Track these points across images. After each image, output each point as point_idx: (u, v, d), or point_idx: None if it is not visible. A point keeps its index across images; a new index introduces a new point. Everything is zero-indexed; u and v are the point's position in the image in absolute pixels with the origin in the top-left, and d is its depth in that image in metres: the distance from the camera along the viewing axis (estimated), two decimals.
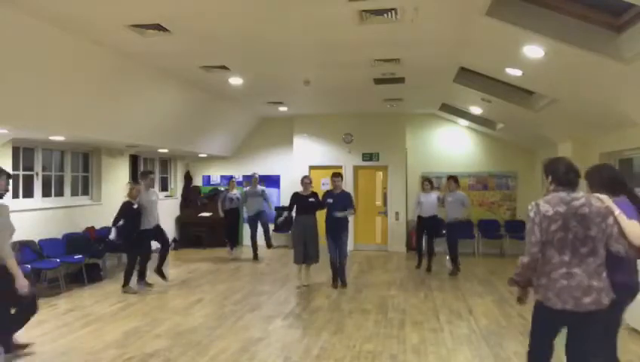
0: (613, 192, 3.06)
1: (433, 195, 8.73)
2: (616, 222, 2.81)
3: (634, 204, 3.04)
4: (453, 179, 8.62)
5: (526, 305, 3.16)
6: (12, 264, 3.92)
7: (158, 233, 7.45)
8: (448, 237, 8.54)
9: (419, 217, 8.84)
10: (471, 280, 7.97)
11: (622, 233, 2.80)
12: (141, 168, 10.75)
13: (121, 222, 7.01)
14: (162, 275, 7.44)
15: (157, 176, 11.38)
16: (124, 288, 6.99)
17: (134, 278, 7.13)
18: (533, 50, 4.87)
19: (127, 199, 7.08)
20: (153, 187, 7.76)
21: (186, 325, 5.49)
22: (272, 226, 10.19)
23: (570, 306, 2.74)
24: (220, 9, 4.65)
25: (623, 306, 3.10)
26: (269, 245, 10.01)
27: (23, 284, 4.04)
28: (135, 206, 7.07)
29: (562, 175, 2.87)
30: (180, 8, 4.61)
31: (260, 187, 10.19)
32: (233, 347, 4.78)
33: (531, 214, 2.85)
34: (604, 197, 2.91)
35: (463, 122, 10.99)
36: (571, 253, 2.76)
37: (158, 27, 5.07)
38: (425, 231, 8.78)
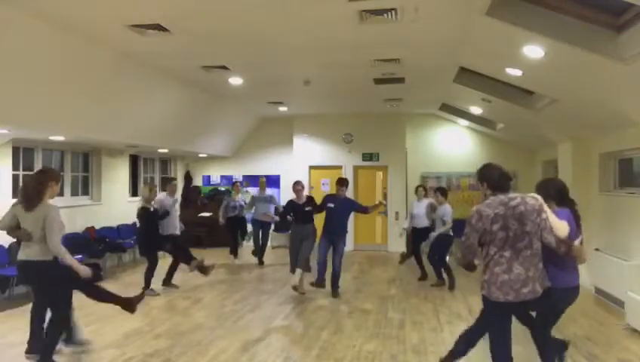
0: (559, 203, 3.50)
1: (424, 204, 7.99)
2: (548, 218, 3.17)
3: (574, 216, 3.46)
4: (440, 191, 7.72)
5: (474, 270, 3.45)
6: (70, 259, 4.11)
7: (177, 240, 7.39)
8: (436, 251, 7.55)
9: (413, 228, 8.14)
10: (471, 280, 7.94)
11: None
12: (141, 168, 10.77)
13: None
14: (202, 269, 7.26)
15: (157, 176, 11.39)
16: (145, 291, 6.78)
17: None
18: (533, 50, 4.87)
19: (141, 205, 6.96)
20: (175, 193, 7.73)
21: (186, 325, 5.49)
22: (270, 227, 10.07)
23: (512, 298, 3.04)
24: (220, 9, 4.65)
25: (560, 296, 3.40)
26: (260, 261, 9.49)
27: (85, 272, 4.23)
28: (152, 209, 6.98)
29: (496, 181, 3.17)
30: (179, 8, 4.61)
31: (268, 192, 9.89)
32: (233, 347, 4.78)
33: (472, 220, 3.13)
34: (537, 195, 3.25)
35: (463, 122, 10.99)
36: (511, 249, 3.05)
37: (158, 27, 5.07)
38: (419, 243, 8.08)
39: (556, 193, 3.57)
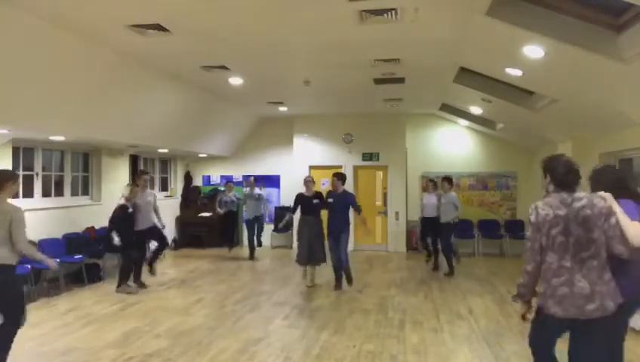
0: (617, 195, 2.85)
1: (434, 196, 8.77)
2: (619, 222, 2.64)
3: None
4: (446, 180, 8.55)
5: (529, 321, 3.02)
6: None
7: (154, 233, 7.43)
8: (441, 238, 8.53)
9: (422, 218, 9.04)
10: (471, 280, 7.97)
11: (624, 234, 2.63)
12: (141, 168, 10.76)
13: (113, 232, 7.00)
14: (151, 270, 7.45)
15: (157, 176, 11.39)
16: (119, 288, 7.00)
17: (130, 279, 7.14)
18: (533, 50, 4.87)
19: (122, 202, 7.07)
20: (147, 188, 7.71)
21: (186, 325, 5.49)
22: (270, 226, 10.27)
23: (573, 314, 2.61)
24: (220, 9, 4.65)
25: (630, 311, 2.98)
26: (258, 243, 10.07)
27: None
28: (130, 209, 7.09)
29: (561, 176, 2.72)
30: (179, 8, 4.61)
31: (257, 191, 10.17)
32: (233, 347, 4.78)
33: (532, 218, 2.73)
34: (607, 195, 2.73)
35: (463, 122, 10.99)
36: (572, 258, 2.63)
37: (158, 27, 5.07)
38: (427, 231, 8.95)
39: (613, 183, 2.97)
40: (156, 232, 7.48)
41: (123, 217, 7.03)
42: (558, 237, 2.63)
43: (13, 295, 3.96)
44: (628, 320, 3.03)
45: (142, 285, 7.26)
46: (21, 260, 4.12)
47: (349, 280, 7.30)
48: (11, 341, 3.93)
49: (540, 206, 2.72)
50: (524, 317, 2.96)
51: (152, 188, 7.83)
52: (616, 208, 2.68)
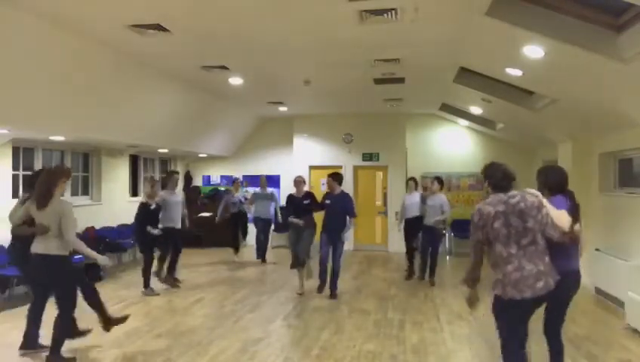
0: (552, 192, 3.55)
1: (416, 195, 8.15)
2: (549, 212, 3.17)
3: (570, 201, 3.48)
4: (437, 180, 7.92)
5: (475, 307, 3.43)
6: (88, 250, 4.38)
7: (174, 235, 7.27)
8: (423, 241, 7.87)
9: (405, 220, 8.27)
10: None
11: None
12: (141, 168, 10.77)
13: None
14: (168, 280, 7.24)
15: (157, 176, 11.38)
16: (146, 290, 6.89)
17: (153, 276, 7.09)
18: (533, 50, 4.87)
19: (144, 200, 6.98)
20: (176, 188, 7.64)
21: (186, 325, 5.49)
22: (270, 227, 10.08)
23: (529, 294, 3.03)
24: (219, 9, 4.65)
25: (569, 289, 3.51)
26: (263, 259, 9.63)
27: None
28: (153, 206, 6.95)
29: (498, 181, 3.22)
30: (179, 8, 4.61)
31: (269, 189, 10.02)
32: (233, 347, 4.78)
33: (475, 218, 3.15)
34: (535, 192, 3.27)
35: (463, 122, 10.99)
36: (516, 245, 3.07)
37: (158, 27, 5.07)
38: (409, 233, 8.22)
39: (554, 185, 3.60)
40: (175, 235, 7.31)
41: (144, 214, 6.91)
42: (502, 230, 3.07)
43: (67, 282, 4.30)
44: (566, 296, 3.55)
45: (176, 281, 7.24)
46: (73, 252, 4.38)
47: (334, 295, 6.79)
48: (69, 326, 4.42)
49: (482, 206, 3.17)
50: (470, 302, 3.41)
51: (176, 188, 7.73)
52: (545, 203, 3.24)
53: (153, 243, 7.01)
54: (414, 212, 8.07)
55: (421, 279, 7.86)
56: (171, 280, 7.26)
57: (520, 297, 3.02)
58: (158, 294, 6.87)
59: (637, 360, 4.43)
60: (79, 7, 4.54)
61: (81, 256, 7.37)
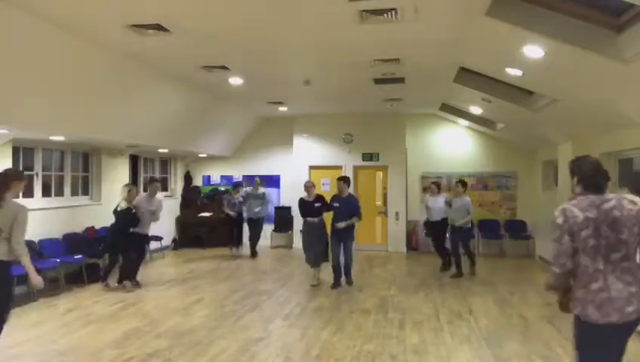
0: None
1: (440, 199, 8.58)
2: None
3: None
4: (461, 183, 8.46)
5: (569, 312, 2.79)
6: (29, 262, 4.00)
7: (142, 240, 7.62)
8: (451, 241, 8.43)
9: (428, 222, 8.87)
10: (471, 280, 7.97)
11: None
12: (141, 168, 10.76)
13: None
14: (136, 283, 7.42)
15: (157, 176, 11.37)
16: (118, 284, 7.19)
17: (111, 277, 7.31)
18: (533, 50, 4.87)
19: (126, 205, 7.18)
20: (156, 195, 7.79)
21: (186, 325, 5.49)
22: (270, 227, 10.31)
23: (615, 319, 2.52)
24: (220, 9, 4.65)
25: None
26: (253, 253, 10.20)
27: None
28: (134, 211, 7.22)
29: (589, 178, 2.67)
30: (180, 8, 4.61)
31: (262, 189, 10.35)
32: (233, 347, 4.78)
33: (559, 221, 2.62)
34: (636, 198, 2.66)
35: (463, 122, 10.99)
36: (604, 260, 2.56)
37: (158, 27, 5.07)
38: (434, 235, 8.75)
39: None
40: (142, 240, 7.64)
41: (126, 218, 7.18)
42: (590, 240, 2.56)
43: (3, 289, 3.92)
44: None
45: (137, 284, 7.36)
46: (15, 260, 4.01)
47: (350, 281, 7.48)
48: None
49: (569, 208, 2.62)
50: (562, 306, 2.81)
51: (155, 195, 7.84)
52: None
53: (125, 246, 7.23)
54: (440, 215, 8.54)
55: (460, 275, 8.16)
56: (134, 282, 7.38)
57: (603, 322, 2.53)
58: (132, 290, 7.09)
59: (637, 360, 4.40)
60: (79, 8, 4.54)
61: (81, 255, 7.49)
